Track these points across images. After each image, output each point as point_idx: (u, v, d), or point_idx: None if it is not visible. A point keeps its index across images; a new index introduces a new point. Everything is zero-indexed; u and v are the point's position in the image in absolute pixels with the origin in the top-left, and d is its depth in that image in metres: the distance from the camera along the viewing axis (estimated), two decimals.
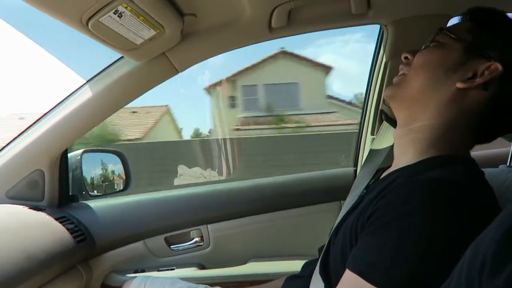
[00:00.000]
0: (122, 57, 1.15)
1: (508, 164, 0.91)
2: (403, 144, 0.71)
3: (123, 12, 0.85)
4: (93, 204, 1.40)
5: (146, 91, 1.21)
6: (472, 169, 0.64)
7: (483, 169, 0.70)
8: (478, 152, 1.36)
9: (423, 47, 0.74)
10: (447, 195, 0.54)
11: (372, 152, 1.01)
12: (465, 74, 0.66)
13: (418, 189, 0.56)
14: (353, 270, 0.56)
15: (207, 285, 1.07)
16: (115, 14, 0.84)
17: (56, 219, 1.17)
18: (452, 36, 0.69)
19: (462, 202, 0.54)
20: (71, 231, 1.17)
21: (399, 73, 0.75)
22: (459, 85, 0.65)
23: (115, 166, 1.72)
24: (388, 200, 0.57)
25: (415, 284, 0.50)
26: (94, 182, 1.65)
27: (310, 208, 1.43)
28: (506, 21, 0.70)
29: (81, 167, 1.41)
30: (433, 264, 0.50)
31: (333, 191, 1.44)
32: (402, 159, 0.69)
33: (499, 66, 0.63)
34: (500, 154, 1.30)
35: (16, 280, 0.84)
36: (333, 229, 0.74)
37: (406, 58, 0.75)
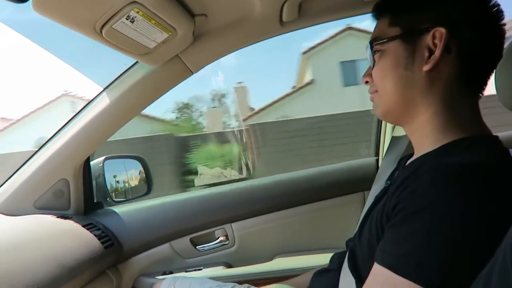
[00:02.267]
0: (137, 62, 1.17)
1: None
2: (418, 138, 0.70)
3: (135, 17, 0.85)
4: (118, 209, 1.42)
5: (162, 94, 1.23)
6: (495, 148, 0.62)
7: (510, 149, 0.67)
8: (502, 133, 1.33)
9: (370, 65, 0.75)
10: (473, 177, 0.52)
11: (394, 139, 1.00)
12: (423, 56, 0.65)
13: (443, 175, 0.54)
14: (382, 263, 0.54)
15: (236, 283, 1.07)
16: (127, 19, 0.85)
17: (83, 226, 1.19)
18: (384, 40, 0.69)
19: (490, 183, 0.52)
20: (99, 237, 1.19)
21: (371, 94, 0.76)
22: (426, 68, 0.65)
23: (137, 171, 1.75)
24: (413, 189, 0.56)
25: (450, 273, 0.49)
26: (118, 188, 1.68)
27: (333, 200, 1.41)
28: None
29: (104, 174, 1.44)
30: (467, 251, 0.48)
31: (356, 182, 1.43)
32: (422, 148, 0.67)
33: (441, 29, 0.63)
34: None
35: None
36: (359, 222, 0.73)
37: (366, 82, 0.76)
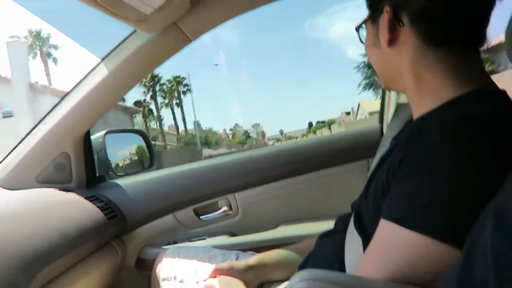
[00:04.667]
0: (134, 31, 1.13)
1: None
2: (417, 101, 0.69)
3: None
4: (120, 182, 1.42)
5: (161, 63, 1.20)
6: (500, 101, 0.60)
7: None
8: None
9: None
10: (479, 129, 0.51)
11: (398, 106, 0.98)
12: (384, 34, 0.69)
13: (448, 127, 0.53)
14: (389, 218, 0.54)
15: (239, 251, 1.08)
16: None
17: (86, 198, 1.19)
18: (363, 22, 0.77)
19: (494, 135, 0.51)
20: (102, 209, 1.19)
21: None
22: (384, 43, 0.69)
23: (139, 145, 1.74)
24: (418, 143, 0.55)
25: (457, 224, 0.48)
26: (120, 162, 1.68)
27: (337, 168, 1.40)
28: None
29: (105, 148, 1.43)
30: (474, 201, 0.47)
31: (360, 150, 1.41)
32: (424, 108, 0.66)
33: (387, 7, 0.67)
34: None
35: (50, 257, 0.86)
36: (366, 182, 0.72)
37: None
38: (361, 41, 0.79)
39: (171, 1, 0.97)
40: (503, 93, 0.62)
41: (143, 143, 1.68)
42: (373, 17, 0.73)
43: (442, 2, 0.64)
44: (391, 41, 0.68)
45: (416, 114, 0.69)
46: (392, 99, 1.38)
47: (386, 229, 0.54)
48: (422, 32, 0.65)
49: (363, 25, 0.78)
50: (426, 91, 0.66)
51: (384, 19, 0.67)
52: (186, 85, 39.34)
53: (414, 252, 0.51)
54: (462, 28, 0.65)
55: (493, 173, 0.49)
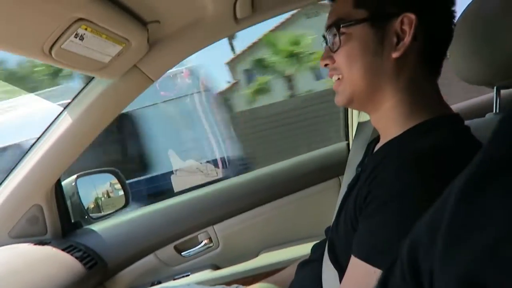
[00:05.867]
0: (94, 77, 1.14)
1: (494, 111, 0.90)
2: (383, 124, 0.70)
3: (84, 34, 0.83)
4: (97, 227, 1.39)
5: (126, 105, 1.20)
6: (456, 127, 0.64)
7: (470, 121, 0.69)
8: (461, 103, 1.37)
9: (325, 45, 0.73)
10: (436, 163, 0.54)
11: (360, 125, 1.01)
12: (391, 42, 0.64)
13: (407, 163, 0.55)
14: (358, 256, 0.56)
15: (224, 286, 1.08)
16: (76, 37, 0.83)
17: (63, 249, 1.17)
18: (351, 23, 0.66)
19: (451, 167, 0.53)
20: (80, 259, 1.17)
21: (333, 80, 0.73)
22: (395, 54, 0.64)
23: (113, 185, 1.72)
24: (381, 179, 0.57)
25: None
26: (95, 205, 1.65)
27: (310, 189, 1.43)
28: None
29: (78, 193, 1.41)
30: None
31: (330, 169, 1.45)
32: (388, 133, 0.68)
33: (411, 15, 0.62)
34: (484, 101, 1.29)
35: None
36: (335, 212, 0.74)
37: (326, 65, 0.72)
38: (338, 41, 0.67)
39: (129, 47, 0.98)
40: (457, 116, 0.66)
41: (116, 182, 1.66)
42: (375, 20, 0.65)
43: (449, 21, 0.66)
44: (402, 53, 0.64)
45: (382, 138, 0.72)
46: (355, 115, 1.42)
47: (358, 267, 0.56)
48: (428, 50, 0.65)
49: (343, 28, 0.67)
50: (398, 114, 0.66)
51: (397, 25, 0.63)
52: None
53: None
54: (445, 53, 0.69)
55: None
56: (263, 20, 1.15)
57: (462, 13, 0.79)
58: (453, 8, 0.68)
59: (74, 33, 0.81)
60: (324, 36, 0.73)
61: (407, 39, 0.63)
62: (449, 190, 0.32)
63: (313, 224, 1.18)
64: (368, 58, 0.65)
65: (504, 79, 0.84)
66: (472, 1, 0.80)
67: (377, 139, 0.79)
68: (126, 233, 1.39)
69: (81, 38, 0.84)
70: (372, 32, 0.65)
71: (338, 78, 0.70)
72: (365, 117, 1.03)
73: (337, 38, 0.67)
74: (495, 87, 0.89)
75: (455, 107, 0.69)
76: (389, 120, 0.68)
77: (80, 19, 0.78)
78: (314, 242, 0.94)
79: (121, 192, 1.63)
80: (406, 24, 0.63)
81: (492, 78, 0.86)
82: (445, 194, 0.33)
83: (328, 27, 0.69)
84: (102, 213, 1.56)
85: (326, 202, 1.17)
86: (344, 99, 0.71)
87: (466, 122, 0.68)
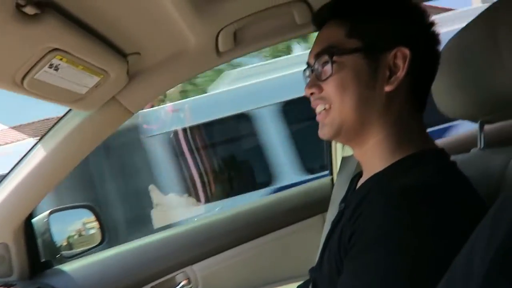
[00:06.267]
0: (71, 109, 1.10)
1: (479, 146, 0.90)
2: (368, 159, 0.69)
3: (59, 64, 0.80)
4: (69, 266, 1.31)
5: (104, 139, 1.16)
6: (442, 163, 0.62)
7: (454, 157, 0.68)
8: (446, 139, 1.38)
9: (311, 73, 0.70)
10: (423, 201, 0.52)
11: (344, 159, 0.99)
12: (384, 75, 0.63)
13: (393, 201, 0.53)
14: None
15: None
16: (50, 68, 0.79)
17: None
18: (344, 51, 0.64)
19: (440, 205, 0.52)
20: None
21: (317, 110, 0.69)
22: (388, 88, 0.63)
23: (88, 221, 1.64)
24: (365, 218, 0.55)
25: None
26: (68, 243, 1.57)
27: (293, 227, 1.40)
28: (371, 0, 0.67)
29: (50, 230, 1.34)
30: (426, 277, 0.47)
31: (314, 205, 1.42)
32: (372, 168, 0.66)
33: (405, 50, 0.62)
34: (469, 136, 1.30)
35: None
36: (320, 250, 0.70)
37: (312, 94, 0.69)
38: (330, 69, 0.64)
39: (107, 78, 0.95)
40: (442, 151, 0.65)
41: (92, 218, 1.59)
42: (369, 51, 0.63)
43: (436, 56, 0.67)
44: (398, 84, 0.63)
45: (365, 172, 0.70)
46: (339, 149, 1.41)
47: None
48: (417, 85, 0.65)
49: (333, 57, 0.64)
50: (383, 148, 0.65)
51: (391, 58, 0.62)
52: None
53: None
54: (430, 89, 0.69)
55: (445, 242, 0.49)
56: (245, 54, 1.15)
57: (445, 46, 0.79)
58: (439, 46, 0.68)
59: (49, 64, 0.78)
60: (308, 64, 0.71)
61: (401, 73, 0.62)
62: (469, 253, 0.30)
63: (296, 263, 1.13)
64: (361, 90, 0.64)
65: (487, 114, 0.84)
66: (455, 34, 0.80)
67: (360, 173, 0.77)
68: (100, 273, 1.31)
69: (56, 69, 0.81)
70: (365, 63, 0.63)
71: (325, 109, 0.67)
72: (349, 151, 1.01)
73: (328, 66, 0.65)
74: (479, 122, 0.89)
75: (439, 142, 0.68)
76: (374, 154, 0.66)
77: (55, 49, 0.75)
78: (298, 283, 0.90)
79: (97, 229, 1.56)
80: (400, 58, 0.62)
81: (475, 112, 0.86)
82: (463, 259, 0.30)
83: (317, 55, 0.67)
84: (75, 251, 1.49)
85: (310, 240, 1.13)
86: (332, 131, 0.67)
87: (452, 157, 0.67)
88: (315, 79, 0.68)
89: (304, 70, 0.74)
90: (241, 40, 1.07)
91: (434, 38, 0.67)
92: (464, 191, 0.57)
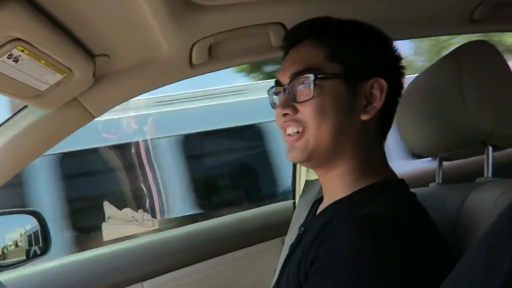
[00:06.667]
0: (27, 105, 1.03)
1: (437, 181, 0.92)
2: (333, 184, 0.68)
3: (20, 56, 0.75)
4: (5, 276, 1.20)
5: (60, 140, 1.09)
6: (404, 194, 0.63)
7: (414, 190, 0.70)
8: (405, 171, 1.42)
9: (283, 92, 0.67)
10: (386, 231, 0.52)
11: (308, 183, 0.99)
12: (361, 103, 0.63)
13: (356, 230, 0.53)
14: None
15: None
16: (9, 58, 0.74)
17: None
18: (326, 76, 0.62)
19: (403, 235, 0.52)
20: None
21: (289, 132, 0.66)
22: (365, 117, 0.64)
23: (32, 228, 1.53)
24: (328, 245, 0.54)
25: None
26: (7, 251, 1.45)
27: (252, 248, 1.37)
28: (351, 26, 0.67)
29: None
30: None
31: (274, 228, 1.40)
32: (333, 195, 0.66)
33: (382, 81, 0.63)
34: (428, 171, 1.35)
35: None
36: (277, 274, 0.68)
37: (286, 114, 0.66)
38: (312, 90, 0.61)
39: (71, 77, 0.90)
40: (402, 182, 0.66)
41: (37, 225, 1.49)
42: (349, 78, 0.63)
43: (400, 85, 0.68)
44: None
45: (327, 197, 0.69)
46: (303, 174, 1.41)
47: None
48: (386, 113, 0.65)
49: (315, 80, 0.61)
50: (351, 175, 0.65)
51: (368, 87, 0.62)
52: None
53: None
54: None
55: (401, 273, 0.49)
56: (218, 69, 1.14)
57: (412, 81, 0.82)
58: (404, 79, 0.70)
59: (8, 53, 0.73)
60: (279, 82, 0.69)
61: (378, 103, 0.63)
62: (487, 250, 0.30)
63: (253, 286, 1.10)
64: (339, 116, 0.62)
65: (447, 151, 0.87)
66: (422, 72, 0.84)
67: (321, 198, 0.76)
68: (40, 286, 1.21)
69: (15, 60, 0.75)
70: (345, 89, 0.62)
71: (298, 131, 0.64)
72: (314, 175, 1.01)
73: (306, 88, 0.62)
74: (438, 158, 0.92)
75: (399, 174, 0.69)
76: (339, 181, 0.66)
77: (17, 39, 0.71)
78: None
79: (42, 237, 1.46)
80: (377, 88, 0.63)
81: (435, 149, 0.89)
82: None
83: (296, 74, 0.64)
84: (14, 260, 1.37)
85: (268, 263, 1.11)
86: (303, 155, 0.65)
87: (411, 190, 0.68)
88: (289, 100, 0.65)
89: (271, 87, 0.72)
90: (215, 55, 1.06)
91: (402, 71, 0.69)
92: (425, 222, 0.58)
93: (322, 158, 0.65)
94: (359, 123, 0.64)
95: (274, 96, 0.72)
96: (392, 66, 0.67)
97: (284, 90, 0.66)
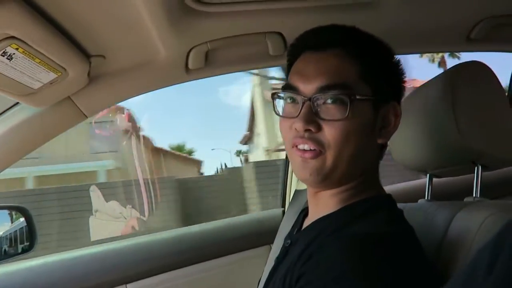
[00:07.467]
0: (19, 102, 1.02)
1: (426, 197, 0.93)
2: (320, 200, 0.66)
3: (14, 54, 0.74)
4: None
5: (51, 138, 1.08)
6: (392, 212, 0.63)
7: (403, 205, 0.70)
8: (394, 186, 1.42)
9: (302, 104, 0.59)
10: (374, 251, 0.52)
11: (297, 193, 0.99)
12: (378, 127, 0.62)
13: (345, 248, 0.53)
14: None
15: None
16: (3, 56, 0.74)
17: None
18: (363, 97, 0.57)
19: (391, 254, 0.52)
20: None
21: (308, 151, 0.58)
22: (381, 141, 0.63)
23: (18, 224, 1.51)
24: (316, 261, 0.54)
25: None
26: None
27: (240, 254, 1.36)
28: (376, 42, 0.64)
29: None
30: None
31: (262, 235, 1.40)
32: (321, 209, 0.65)
33: (398, 107, 0.63)
34: (417, 187, 1.36)
35: None
36: (261, 285, 0.68)
37: (309, 130, 0.58)
38: (346, 109, 0.56)
39: (65, 77, 0.89)
40: (390, 198, 0.66)
41: (23, 221, 1.47)
42: (376, 101, 0.59)
43: None
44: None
45: (314, 211, 0.69)
46: (294, 183, 1.41)
47: None
48: (390, 134, 0.65)
49: (353, 100, 0.56)
50: (348, 193, 0.63)
51: (383, 111, 0.61)
52: None
53: None
54: None
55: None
56: (214, 75, 1.14)
57: (407, 97, 0.83)
58: None
59: (2, 51, 0.72)
60: (299, 91, 0.59)
61: (393, 129, 0.63)
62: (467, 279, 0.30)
63: None
64: (363, 139, 0.58)
65: (437, 167, 0.88)
66: (417, 88, 0.84)
67: (306, 210, 0.74)
68: (22, 284, 1.19)
69: (9, 58, 0.75)
70: (371, 113, 0.59)
71: (315, 150, 0.58)
72: (303, 185, 1.01)
73: (338, 106, 0.56)
74: (428, 174, 0.93)
75: (388, 188, 0.70)
76: (332, 198, 0.64)
77: (12, 37, 0.70)
78: None
79: (27, 234, 1.44)
80: (392, 112, 0.62)
81: (425, 165, 0.89)
82: None
83: (327, 88, 0.57)
84: None
85: (255, 270, 1.10)
86: (318, 177, 0.59)
87: (400, 205, 0.68)
88: (313, 115, 0.57)
89: (278, 91, 0.64)
90: (212, 60, 1.06)
91: (403, 93, 0.69)
92: (411, 241, 0.58)
93: (336, 180, 0.60)
94: (375, 146, 0.63)
95: (281, 101, 0.64)
96: (402, 90, 0.67)
97: (305, 101, 0.58)
